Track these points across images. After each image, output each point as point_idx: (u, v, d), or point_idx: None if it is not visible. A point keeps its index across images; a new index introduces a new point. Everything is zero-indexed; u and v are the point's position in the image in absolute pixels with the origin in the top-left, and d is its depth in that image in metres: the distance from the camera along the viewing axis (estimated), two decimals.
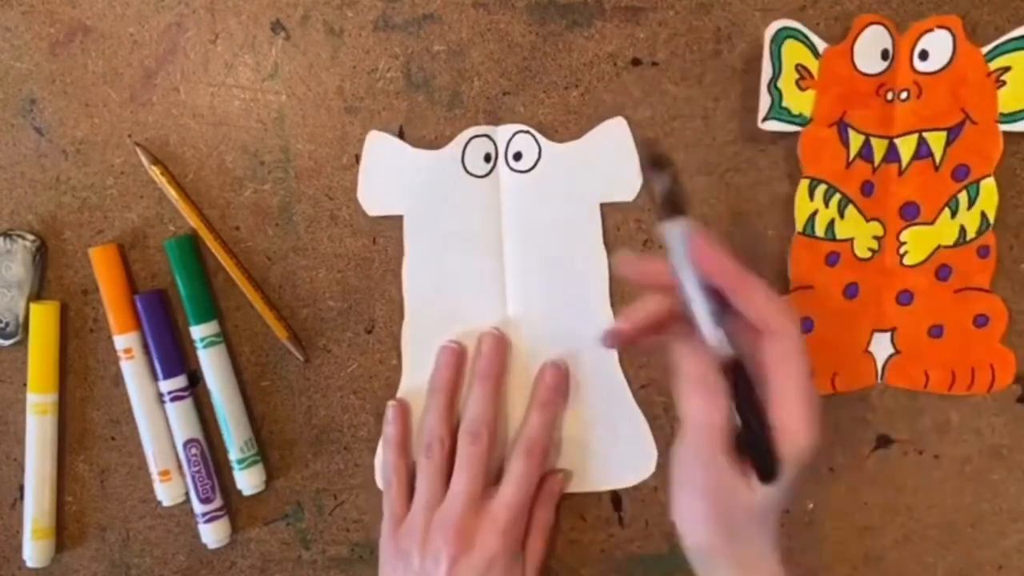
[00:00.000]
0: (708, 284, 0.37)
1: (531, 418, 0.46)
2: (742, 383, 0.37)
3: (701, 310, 0.36)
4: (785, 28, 0.44)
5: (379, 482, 0.48)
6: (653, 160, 0.37)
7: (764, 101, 0.44)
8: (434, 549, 0.43)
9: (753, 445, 0.37)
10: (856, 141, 0.45)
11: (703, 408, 0.37)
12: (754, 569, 0.38)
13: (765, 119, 0.45)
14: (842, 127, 0.45)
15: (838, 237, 0.45)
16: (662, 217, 0.36)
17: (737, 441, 0.37)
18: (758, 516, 0.38)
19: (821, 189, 0.44)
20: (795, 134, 0.46)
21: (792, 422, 0.36)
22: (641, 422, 0.47)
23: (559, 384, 0.47)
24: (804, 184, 0.44)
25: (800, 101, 0.44)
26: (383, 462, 0.47)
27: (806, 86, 0.44)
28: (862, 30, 0.44)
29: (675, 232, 0.36)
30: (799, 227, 0.45)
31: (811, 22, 0.44)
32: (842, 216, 0.45)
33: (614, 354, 0.48)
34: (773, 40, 0.44)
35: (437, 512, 0.44)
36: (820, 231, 0.45)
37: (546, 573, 0.48)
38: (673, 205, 0.36)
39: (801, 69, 0.44)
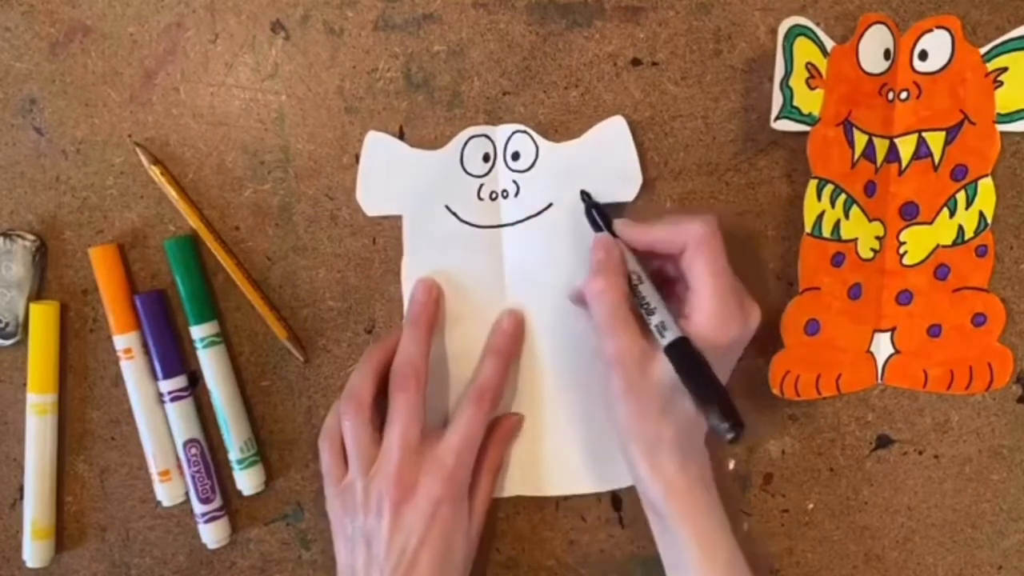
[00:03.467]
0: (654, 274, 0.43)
1: (484, 365, 0.46)
2: (691, 358, 0.40)
3: (650, 293, 0.42)
4: (797, 26, 0.44)
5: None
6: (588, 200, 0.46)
7: (776, 100, 0.44)
8: (376, 501, 0.43)
9: (709, 411, 0.39)
10: (860, 141, 0.45)
11: (602, 282, 0.42)
12: (660, 453, 0.41)
13: (777, 118, 0.45)
14: (848, 127, 0.45)
15: (843, 238, 0.45)
16: (596, 230, 0.44)
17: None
18: (664, 391, 0.41)
19: (828, 189, 0.44)
20: (795, 134, 0.46)
21: (706, 311, 0.40)
22: None
23: (515, 332, 0.47)
24: (813, 184, 0.44)
25: (810, 100, 0.44)
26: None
27: (815, 85, 0.44)
28: (867, 29, 0.44)
29: (601, 236, 0.44)
30: (808, 228, 0.45)
31: (812, 22, 0.44)
32: (847, 216, 0.45)
33: None
34: (785, 37, 0.44)
35: (374, 465, 0.44)
36: (827, 232, 0.45)
37: (492, 513, 0.48)
38: (604, 219, 0.45)
39: (811, 68, 0.44)
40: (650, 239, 0.43)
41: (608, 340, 0.42)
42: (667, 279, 0.45)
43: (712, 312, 0.41)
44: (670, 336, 0.40)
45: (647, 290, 0.42)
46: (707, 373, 0.40)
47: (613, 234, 0.44)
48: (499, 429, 0.47)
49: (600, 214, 0.45)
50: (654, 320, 0.41)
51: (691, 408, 0.42)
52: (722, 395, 0.39)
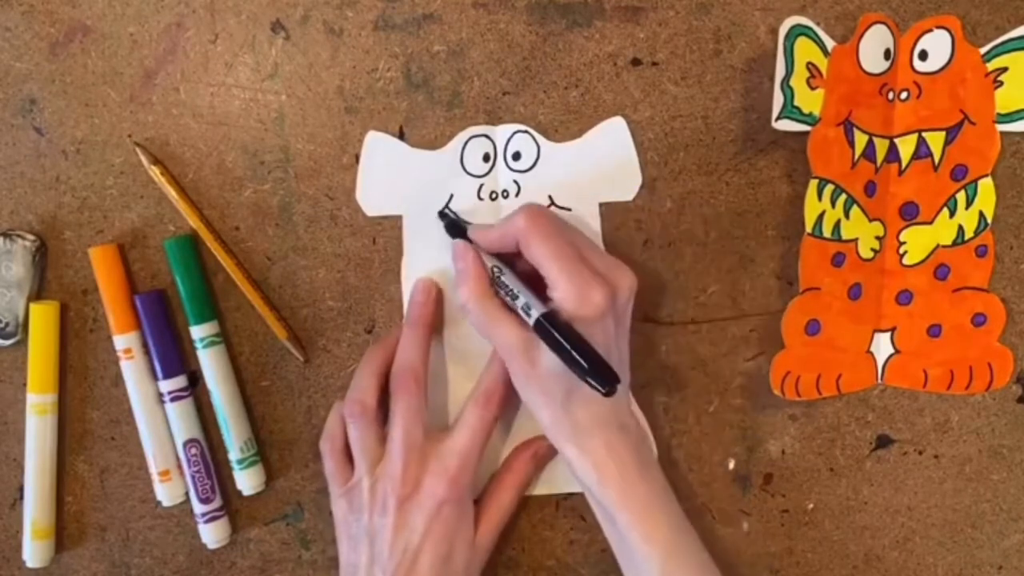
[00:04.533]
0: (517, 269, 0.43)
1: (490, 368, 0.46)
2: (559, 328, 0.40)
3: (512, 282, 0.43)
4: (798, 25, 0.44)
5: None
6: (444, 217, 0.47)
7: (777, 100, 0.44)
8: (381, 500, 0.43)
9: (580, 372, 0.39)
10: (861, 141, 0.45)
11: (464, 288, 0.43)
12: (584, 439, 0.42)
13: (778, 118, 0.45)
14: (848, 127, 0.45)
15: (844, 238, 0.45)
16: (453, 236, 0.45)
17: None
18: (560, 376, 0.41)
19: (829, 189, 0.44)
20: (794, 134, 0.46)
21: (562, 290, 0.40)
22: (641, 422, 0.47)
23: None
24: (813, 184, 0.44)
25: (810, 100, 0.44)
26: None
27: (816, 85, 0.44)
28: (867, 29, 0.44)
29: (455, 243, 0.45)
30: (808, 228, 0.45)
31: (812, 22, 0.44)
32: (847, 216, 0.45)
33: None
34: (786, 37, 0.44)
35: (379, 466, 0.44)
36: (827, 232, 0.45)
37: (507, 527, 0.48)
38: (458, 229, 0.46)
39: (812, 67, 0.44)
40: (490, 241, 0.44)
41: (492, 340, 0.42)
42: (533, 274, 0.44)
43: (565, 287, 0.40)
44: (535, 313, 0.41)
45: (508, 279, 0.43)
46: (573, 337, 0.40)
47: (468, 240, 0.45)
48: (529, 449, 0.48)
49: (455, 226, 0.46)
50: (519, 304, 0.42)
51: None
52: (590, 354, 0.39)
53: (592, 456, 0.42)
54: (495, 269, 0.43)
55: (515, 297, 0.42)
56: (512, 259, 0.44)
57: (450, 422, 0.48)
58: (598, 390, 0.38)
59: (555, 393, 0.42)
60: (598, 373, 0.38)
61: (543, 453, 0.48)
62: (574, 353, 0.39)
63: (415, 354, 0.45)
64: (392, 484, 0.43)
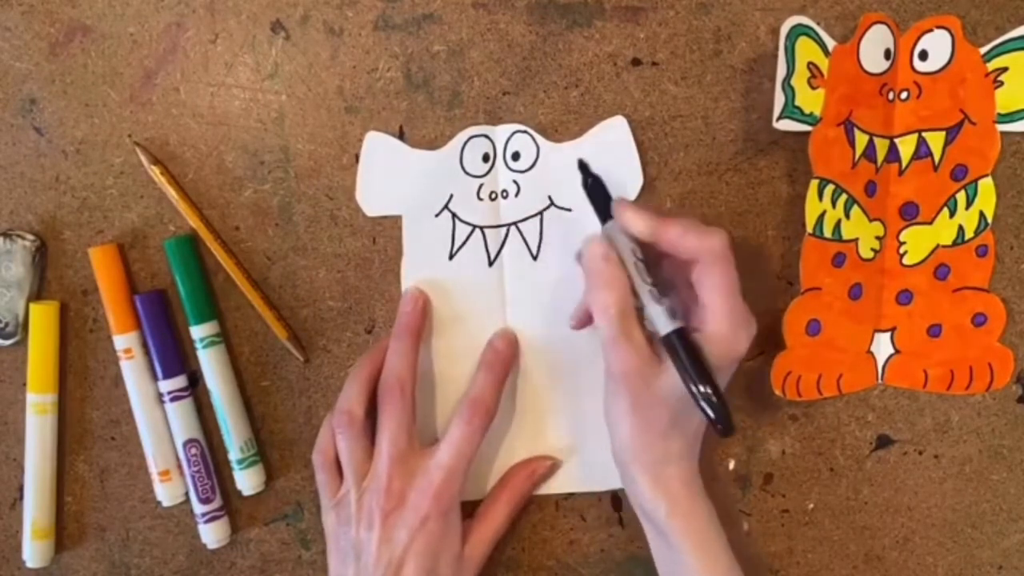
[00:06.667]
0: (655, 264, 0.41)
1: (477, 378, 0.46)
2: (687, 350, 0.39)
3: (643, 290, 0.41)
4: (799, 25, 0.44)
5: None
6: (584, 170, 0.44)
7: (778, 99, 0.44)
8: (367, 513, 0.43)
9: (702, 405, 0.39)
10: (861, 141, 0.45)
11: (606, 296, 0.41)
12: (665, 469, 0.42)
13: (779, 118, 0.45)
14: (849, 127, 0.45)
15: (844, 238, 0.45)
16: (603, 219, 0.43)
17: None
18: (672, 404, 0.40)
19: (829, 189, 0.44)
20: (794, 134, 0.46)
21: (718, 329, 0.40)
22: None
23: (507, 349, 0.47)
24: (814, 184, 0.44)
25: (811, 100, 0.44)
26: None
27: (817, 85, 0.44)
28: (867, 29, 0.44)
29: (609, 225, 0.42)
30: (809, 228, 0.45)
31: (813, 21, 0.44)
32: (848, 216, 0.45)
33: None
34: (788, 37, 0.44)
35: (366, 479, 0.44)
36: (828, 232, 0.45)
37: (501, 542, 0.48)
38: (606, 205, 0.43)
39: (812, 67, 0.44)
40: (659, 236, 0.41)
41: (614, 355, 0.41)
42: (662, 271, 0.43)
43: (724, 331, 0.40)
44: (666, 328, 0.40)
45: (639, 285, 0.41)
46: (706, 368, 0.39)
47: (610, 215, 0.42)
48: (528, 467, 0.48)
49: (599, 193, 0.43)
50: (647, 313, 0.40)
51: (700, 422, 0.42)
52: (718, 390, 0.39)
53: (666, 487, 0.42)
54: (633, 271, 0.41)
55: (644, 302, 0.40)
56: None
57: (439, 433, 0.48)
58: (714, 424, 0.38)
59: (659, 420, 0.41)
60: (721, 409, 0.38)
61: (542, 472, 0.48)
62: (707, 383, 0.39)
63: (403, 364, 0.45)
64: (377, 497, 0.43)
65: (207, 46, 0.46)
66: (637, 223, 0.41)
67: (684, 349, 0.39)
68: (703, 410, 0.39)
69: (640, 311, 0.41)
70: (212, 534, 0.48)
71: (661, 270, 0.43)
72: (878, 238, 0.46)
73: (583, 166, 0.44)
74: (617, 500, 0.49)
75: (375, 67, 0.46)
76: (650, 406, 0.41)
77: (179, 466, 0.48)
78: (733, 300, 0.40)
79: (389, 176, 0.47)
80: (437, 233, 0.47)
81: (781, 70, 0.44)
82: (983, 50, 0.45)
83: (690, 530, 0.42)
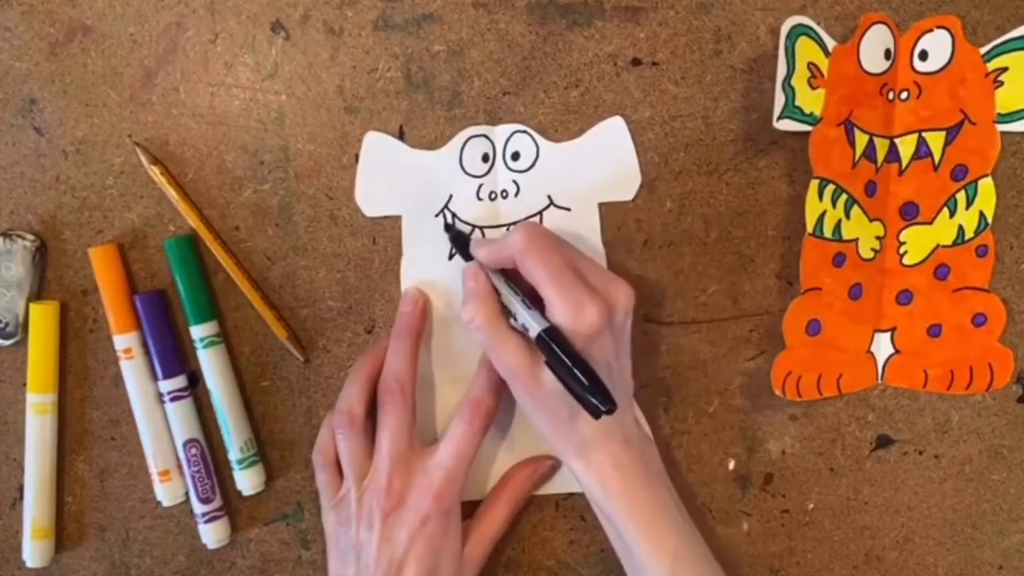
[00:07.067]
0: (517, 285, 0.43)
1: (477, 379, 0.46)
2: (558, 348, 0.40)
3: (513, 301, 0.42)
4: (799, 25, 0.44)
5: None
6: (450, 230, 0.47)
7: (778, 99, 0.44)
8: (368, 513, 0.43)
9: (579, 395, 0.39)
10: (861, 141, 0.45)
11: (473, 307, 0.42)
12: (590, 454, 0.42)
13: (780, 118, 0.45)
14: (849, 127, 0.45)
15: (844, 238, 0.45)
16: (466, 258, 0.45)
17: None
18: (559, 392, 0.40)
19: (829, 189, 0.44)
20: (794, 134, 0.46)
21: (559, 316, 0.40)
22: (641, 422, 0.47)
23: None
24: (814, 184, 0.44)
25: (811, 100, 0.44)
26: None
27: (817, 85, 0.44)
28: (867, 29, 0.44)
29: (467, 266, 0.45)
30: (809, 228, 0.45)
31: (813, 21, 0.44)
32: (848, 216, 0.45)
33: None
34: (788, 37, 0.44)
35: (366, 479, 0.44)
36: (828, 232, 0.45)
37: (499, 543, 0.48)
38: (461, 242, 0.46)
39: (812, 67, 0.44)
40: (489, 259, 0.43)
41: (496, 360, 0.42)
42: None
43: (559, 306, 0.40)
44: (536, 329, 0.41)
45: (511, 297, 0.43)
46: (571, 355, 0.39)
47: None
48: (529, 467, 0.48)
49: (459, 239, 0.46)
50: (519, 322, 0.42)
51: None
52: (588, 374, 0.39)
53: (598, 470, 0.42)
54: (501, 287, 0.43)
55: (514, 316, 0.42)
56: (518, 277, 0.44)
57: (439, 432, 0.48)
58: (592, 412, 0.38)
59: (560, 411, 0.42)
60: (595, 393, 0.38)
61: (542, 472, 0.48)
62: (575, 371, 0.39)
63: (403, 364, 0.45)
64: (377, 497, 0.43)
65: (207, 46, 0.46)
66: (480, 256, 0.44)
67: (556, 344, 0.40)
68: (581, 400, 0.39)
69: (515, 320, 0.42)
70: (212, 534, 0.48)
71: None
72: (878, 238, 0.46)
73: (447, 227, 0.47)
74: None
75: (375, 67, 0.46)
76: (547, 398, 0.41)
77: (179, 466, 0.48)
78: (556, 283, 0.40)
79: (389, 176, 0.47)
80: (437, 233, 0.47)
81: (781, 70, 0.44)
82: (983, 50, 0.45)
83: (631, 513, 0.42)
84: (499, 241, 0.43)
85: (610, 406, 0.38)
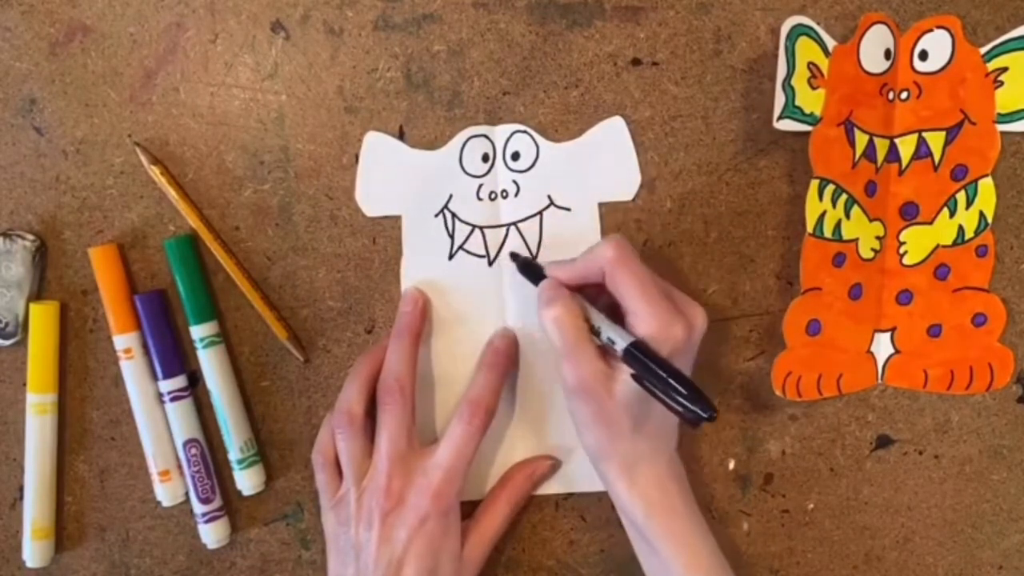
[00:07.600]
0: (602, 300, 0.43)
1: (477, 379, 0.46)
2: (649, 356, 0.40)
3: (596, 315, 0.42)
4: (800, 25, 0.44)
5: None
6: (518, 259, 0.47)
7: (778, 99, 0.44)
8: (367, 513, 0.43)
9: (677, 404, 0.39)
10: (861, 141, 0.45)
11: (559, 310, 0.42)
12: (637, 471, 0.42)
13: (780, 118, 0.45)
14: (849, 127, 0.45)
15: (844, 238, 0.45)
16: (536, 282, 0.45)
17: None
18: (632, 408, 0.41)
19: (829, 189, 0.44)
20: (794, 134, 0.46)
21: (648, 330, 0.40)
22: None
23: (508, 348, 0.47)
24: (814, 184, 0.44)
25: (811, 100, 0.44)
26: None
27: (817, 85, 0.44)
28: (867, 29, 0.44)
29: (544, 282, 0.44)
30: (809, 228, 0.45)
31: (813, 21, 0.44)
32: (848, 216, 0.45)
33: None
34: (788, 37, 0.44)
35: (365, 479, 0.44)
36: (828, 232, 0.45)
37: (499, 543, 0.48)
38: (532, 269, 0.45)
39: (813, 67, 0.44)
40: (574, 275, 0.43)
41: (570, 366, 0.41)
42: (611, 311, 0.44)
43: (649, 317, 0.40)
44: (622, 343, 0.40)
45: (591, 313, 0.42)
46: (666, 366, 0.39)
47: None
48: (528, 467, 0.48)
49: (529, 266, 0.46)
50: (604, 336, 0.41)
51: (662, 420, 0.42)
52: (687, 381, 0.39)
53: (642, 488, 0.42)
54: (582, 302, 0.43)
55: (598, 332, 0.42)
56: (591, 295, 0.43)
57: (439, 433, 0.48)
58: (699, 417, 0.38)
59: (623, 424, 0.41)
60: (696, 401, 0.38)
61: (542, 472, 0.48)
62: (671, 381, 0.39)
63: (402, 364, 0.45)
64: (377, 497, 0.43)
65: (207, 46, 0.46)
66: (561, 274, 0.44)
67: (647, 357, 0.40)
68: (680, 415, 0.39)
69: (596, 335, 0.42)
70: (212, 534, 0.48)
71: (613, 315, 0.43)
72: (878, 238, 0.46)
73: (514, 256, 0.47)
74: None
75: (375, 67, 0.46)
76: (612, 412, 0.41)
77: (179, 466, 0.48)
78: (648, 297, 0.41)
79: (389, 176, 0.47)
80: (437, 233, 0.47)
81: (781, 70, 0.44)
82: (983, 50, 0.45)
83: (670, 531, 0.42)
84: (584, 255, 0.43)
85: (712, 412, 0.38)
